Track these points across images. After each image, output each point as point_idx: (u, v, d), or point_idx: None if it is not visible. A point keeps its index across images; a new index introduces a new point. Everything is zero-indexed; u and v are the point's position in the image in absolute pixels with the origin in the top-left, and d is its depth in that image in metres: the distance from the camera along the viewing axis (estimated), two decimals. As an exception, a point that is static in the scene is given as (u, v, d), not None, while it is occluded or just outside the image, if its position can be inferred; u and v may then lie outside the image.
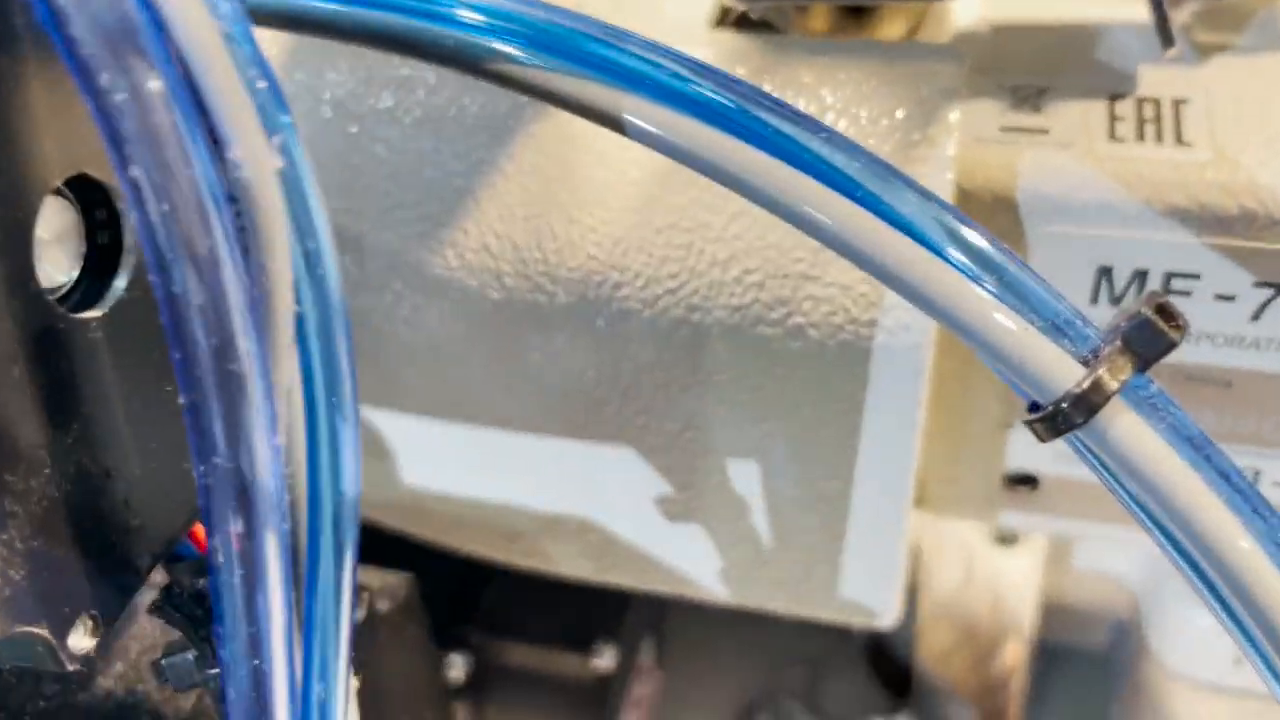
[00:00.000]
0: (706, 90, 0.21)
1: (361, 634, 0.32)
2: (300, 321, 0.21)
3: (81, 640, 0.22)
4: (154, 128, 0.16)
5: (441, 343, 0.35)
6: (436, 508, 0.39)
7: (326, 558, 0.23)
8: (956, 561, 0.51)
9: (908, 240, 0.21)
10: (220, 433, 0.20)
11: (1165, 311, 0.20)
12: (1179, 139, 0.31)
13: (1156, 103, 0.32)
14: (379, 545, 0.33)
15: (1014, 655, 0.54)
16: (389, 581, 0.35)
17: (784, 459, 0.34)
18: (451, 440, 0.37)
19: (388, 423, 0.37)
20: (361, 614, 0.33)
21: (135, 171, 0.17)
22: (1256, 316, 0.31)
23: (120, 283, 0.21)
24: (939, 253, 0.21)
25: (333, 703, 0.25)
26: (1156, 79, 0.33)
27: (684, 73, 0.21)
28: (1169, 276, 0.31)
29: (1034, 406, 0.21)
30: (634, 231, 0.31)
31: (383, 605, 0.34)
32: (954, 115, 0.30)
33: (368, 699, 0.27)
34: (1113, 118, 0.32)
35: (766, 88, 0.30)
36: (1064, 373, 0.20)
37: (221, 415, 0.20)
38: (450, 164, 0.32)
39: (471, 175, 0.32)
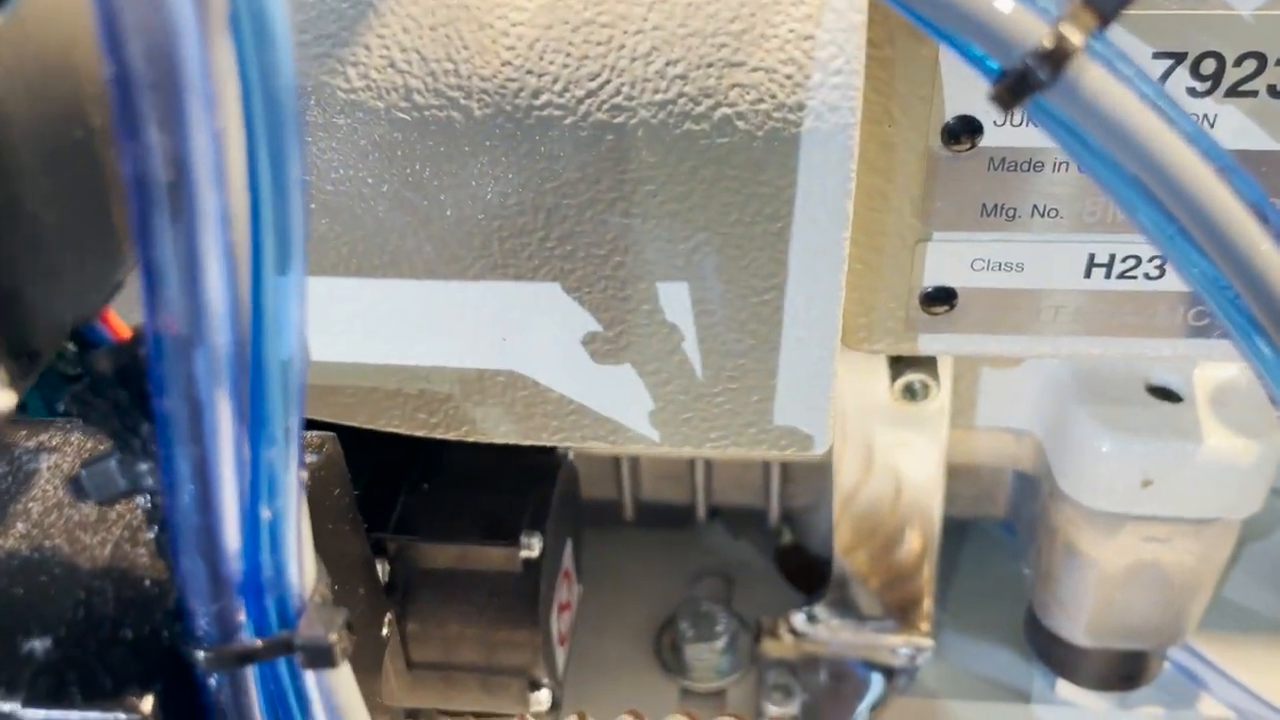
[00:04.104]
0: None
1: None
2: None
3: (-4, 397, 0.19)
4: None
5: (346, 184, 0.33)
6: (342, 382, 0.37)
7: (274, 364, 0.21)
8: (858, 451, 0.51)
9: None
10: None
11: (1120, -35, 0.21)
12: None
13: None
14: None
15: (919, 542, 0.54)
16: (309, 437, 0.33)
17: (714, 276, 0.34)
18: (360, 300, 0.35)
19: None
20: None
21: None
22: (1155, 90, 0.32)
23: (19, -19, 0.19)
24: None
25: (284, 524, 0.23)
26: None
27: None
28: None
29: (998, 77, 0.21)
30: (549, 31, 0.30)
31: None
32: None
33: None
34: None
35: None
36: (1029, 29, 0.20)
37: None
38: (347, -22, 0.31)
39: (371, -12, 0.31)
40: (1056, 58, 0.20)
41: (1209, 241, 0.21)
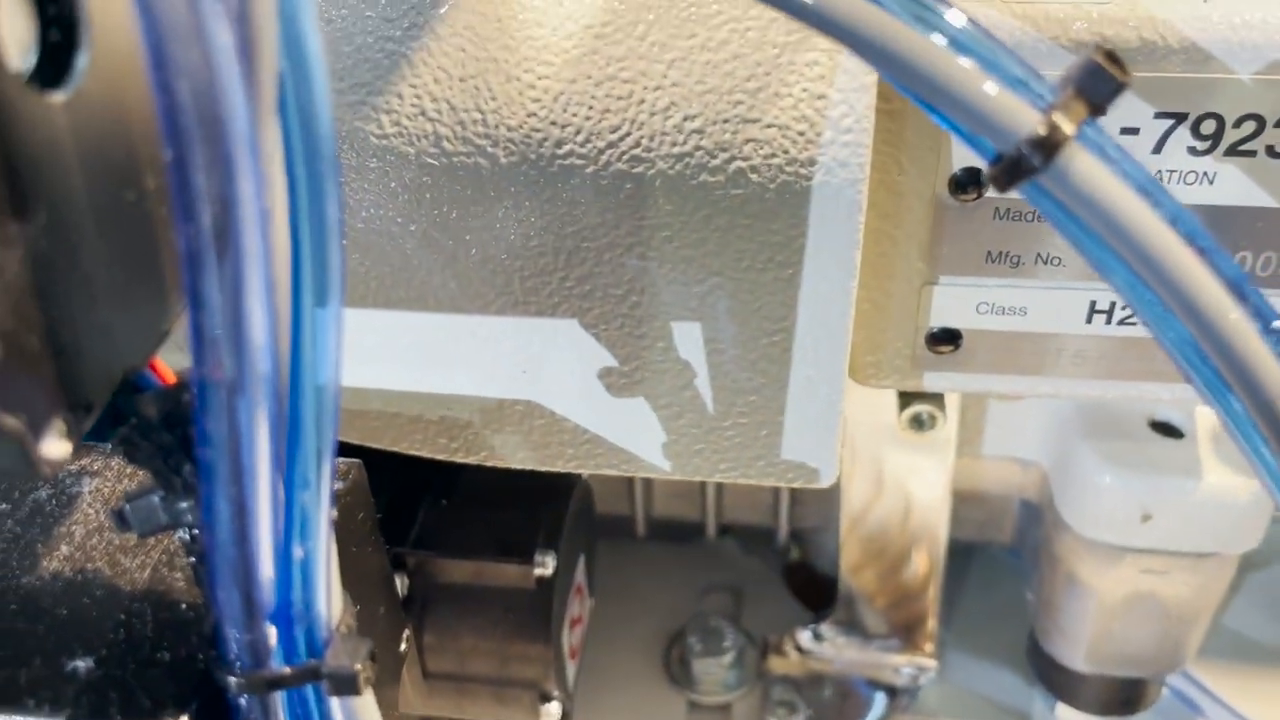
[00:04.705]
0: None
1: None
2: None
3: (55, 446, 0.21)
4: None
5: (377, 222, 0.34)
6: (367, 407, 0.39)
7: (308, 401, 0.23)
8: (867, 473, 0.53)
9: (875, 8, 0.22)
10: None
11: (1112, 58, 0.22)
12: (1078, -17, 0.33)
13: (1054, -46, 0.34)
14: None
15: (925, 563, 0.56)
16: (336, 465, 0.34)
17: (726, 318, 0.35)
18: (387, 332, 0.37)
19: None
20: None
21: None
22: (1158, 149, 0.34)
23: (82, 62, 0.20)
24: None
25: (314, 561, 0.24)
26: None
27: None
28: (1077, 114, 0.33)
29: (994, 160, 0.22)
30: (573, 85, 0.32)
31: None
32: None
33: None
34: (1017, -31, 0.34)
35: None
36: (1023, 118, 0.22)
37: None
38: (381, 29, 0.32)
39: (404, 40, 0.32)
40: (1049, 145, 0.21)
41: (1187, 317, 0.22)
